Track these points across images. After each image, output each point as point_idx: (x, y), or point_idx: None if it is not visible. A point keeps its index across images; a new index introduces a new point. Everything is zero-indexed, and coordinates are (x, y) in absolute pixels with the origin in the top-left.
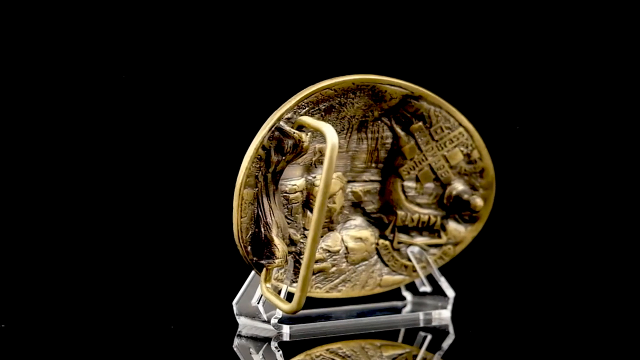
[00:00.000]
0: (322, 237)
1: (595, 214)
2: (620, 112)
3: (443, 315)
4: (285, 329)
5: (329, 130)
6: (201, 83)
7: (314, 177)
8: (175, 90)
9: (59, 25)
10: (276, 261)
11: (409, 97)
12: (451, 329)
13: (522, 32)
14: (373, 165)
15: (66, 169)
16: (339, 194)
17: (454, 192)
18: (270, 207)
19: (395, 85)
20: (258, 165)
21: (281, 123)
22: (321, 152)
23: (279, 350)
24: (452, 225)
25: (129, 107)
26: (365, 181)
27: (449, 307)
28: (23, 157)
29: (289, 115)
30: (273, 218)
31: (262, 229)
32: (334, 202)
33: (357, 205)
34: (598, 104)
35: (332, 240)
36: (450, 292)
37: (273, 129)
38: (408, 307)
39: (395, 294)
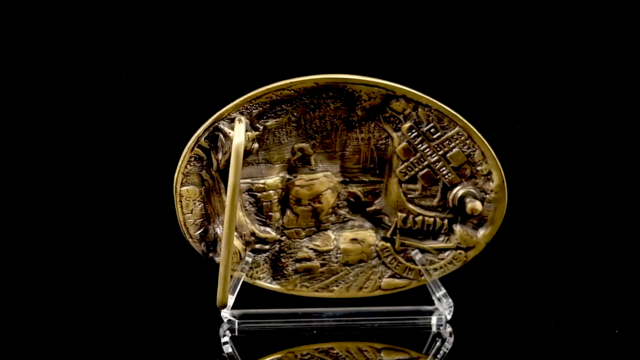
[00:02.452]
0: (309, 236)
1: (597, 218)
2: (613, 110)
3: (433, 322)
4: (235, 324)
5: (236, 131)
6: (172, 82)
7: (295, 176)
8: (147, 89)
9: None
10: None
11: (391, 97)
12: (448, 336)
13: (510, 29)
14: (371, 165)
15: (19, 173)
16: (327, 193)
17: (458, 195)
18: (222, 204)
19: (371, 85)
20: (200, 164)
21: (222, 123)
22: (302, 151)
23: (225, 344)
24: (462, 229)
25: (92, 109)
26: (365, 182)
27: (445, 314)
28: None
29: (234, 115)
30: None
31: (213, 226)
32: (320, 202)
33: (357, 206)
34: (590, 98)
35: (321, 240)
36: (447, 300)
37: (211, 129)
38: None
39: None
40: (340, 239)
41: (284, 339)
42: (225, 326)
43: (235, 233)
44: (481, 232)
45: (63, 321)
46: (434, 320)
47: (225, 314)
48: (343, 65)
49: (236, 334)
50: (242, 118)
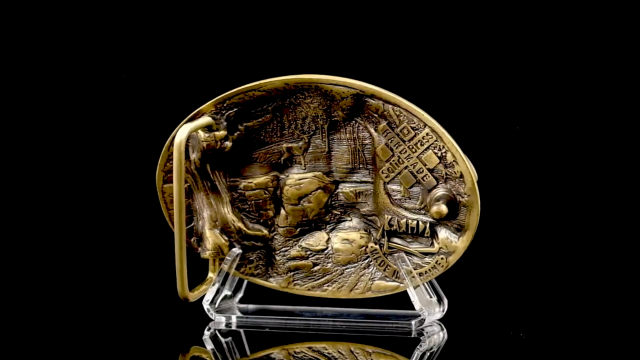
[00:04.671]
0: (303, 235)
1: (583, 217)
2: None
3: (409, 329)
4: (233, 319)
5: (180, 131)
6: (153, 84)
7: (287, 176)
8: (125, 91)
9: None
10: (207, 253)
11: (362, 96)
12: (420, 342)
13: (483, 29)
14: (360, 166)
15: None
16: (317, 193)
17: (434, 198)
18: (205, 201)
19: (340, 84)
20: None
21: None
22: (290, 151)
23: (206, 339)
24: (444, 233)
25: (76, 113)
26: (357, 182)
27: (415, 322)
28: None
29: (208, 115)
30: (207, 212)
31: (199, 222)
32: (310, 202)
33: (352, 206)
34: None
35: (314, 239)
36: (417, 307)
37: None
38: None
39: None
40: (334, 238)
41: (278, 336)
42: (211, 322)
43: (217, 230)
44: (459, 237)
45: (58, 317)
46: (412, 325)
47: (210, 308)
48: (331, 64)
49: (232, 328)
50: (207, 117)
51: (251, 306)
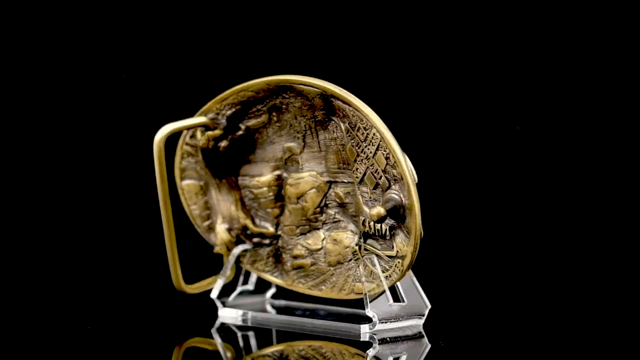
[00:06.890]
0: (304, 234)
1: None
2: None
3: (362, 332)
4: (249, 315)
5: (159, 132)
6: (158, 83)
7: (289, 175)
8: (129, 93)
9: None
10: (215, 248)
11: (327, 96)
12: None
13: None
14: (344, 166)
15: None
16: (312, 193)
17: (384, 200)
18: (216, 198)
19: (308, 84)
20: (194, 160)
21: None
22: (290, 151)
23: (215, 333)
24: (400, 237)
25: (83, 115)
26: (345, 182)
27: (366, 326)
28: None
29: (210, 115)
30: (219, 209)
31: (213, 218)
32: (306, 202)
33: (343, 206)
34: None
35: (313, 239)
36: (369, 313)
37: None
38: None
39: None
40: (328, 238)
41: (281, 332)
42: (219, 317)
43: (225, 226)
44: (408, 242)
45: (77, 310)
46: (360, 328)
47: (219, 301)
48: (331, 64)
49: (246, 323)
50: (197, 118)
51: (283, 302)
